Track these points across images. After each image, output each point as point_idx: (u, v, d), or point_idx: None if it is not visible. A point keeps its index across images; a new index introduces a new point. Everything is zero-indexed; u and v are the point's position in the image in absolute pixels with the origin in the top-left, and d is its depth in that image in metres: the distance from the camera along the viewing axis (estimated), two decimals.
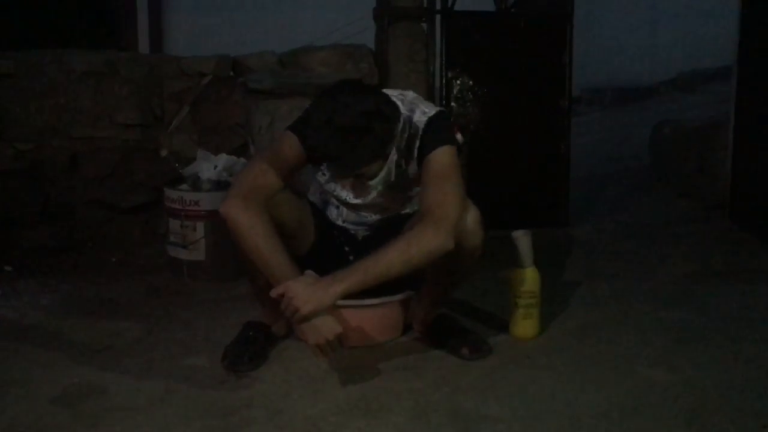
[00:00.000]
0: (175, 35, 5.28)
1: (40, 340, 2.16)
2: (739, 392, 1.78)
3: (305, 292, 1.73)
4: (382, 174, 1.92)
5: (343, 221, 2.10)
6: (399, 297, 2.09)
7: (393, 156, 1.90)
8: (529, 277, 2.10)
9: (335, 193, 2.03)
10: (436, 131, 1.86)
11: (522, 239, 2.08)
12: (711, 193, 3.54)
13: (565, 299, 2.40)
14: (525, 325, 2.12)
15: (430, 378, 1.90)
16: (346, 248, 2.09)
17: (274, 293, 1.78)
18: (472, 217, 1.86)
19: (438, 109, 1.92)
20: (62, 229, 3.05)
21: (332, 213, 2.11)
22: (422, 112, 1.88)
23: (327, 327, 1.78)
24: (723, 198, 3.40)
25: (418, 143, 1.87)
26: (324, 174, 2.02)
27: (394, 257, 1.73)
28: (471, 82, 3.31)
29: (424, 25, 3.21)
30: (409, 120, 1.87)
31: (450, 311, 2.20)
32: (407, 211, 2.07)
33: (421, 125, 1.86)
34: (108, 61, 3.08)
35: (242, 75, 3.11)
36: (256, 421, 1.69)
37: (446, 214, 1.76)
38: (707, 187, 3.60)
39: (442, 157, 1.83)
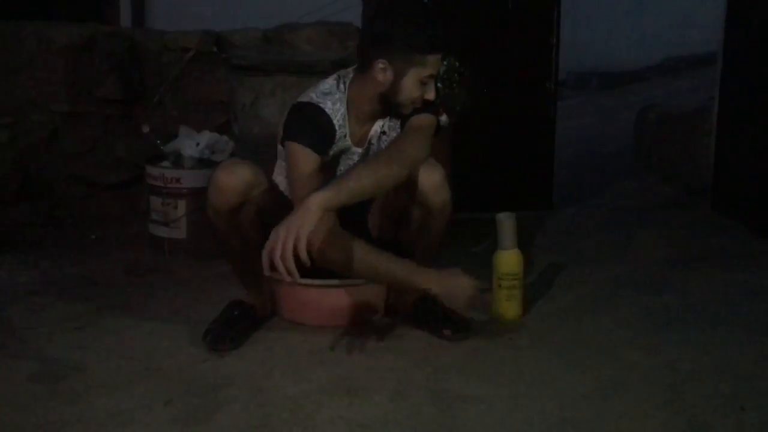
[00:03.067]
0: (158, 9, 5.19)
1: (18, 317, 2.14)
2: (717, 374, 1.80)
3: (281, 227, 1.68)
4: (375, 129, 1.98)
5: None
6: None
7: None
8: (512, 259, 2.11)
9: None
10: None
11: (505, 222, 2.09)
12: (694, 179, 3.56)
13: (547, 282, 2.41)
14: (507, 307, 2.13)
15: (412, 358, 1.90)
16: None
17: (266, 261, 1.70)
18: (438, 173, 1.93)
19: None
20: (41, 206, 3.00)
21: None
22: None
23: (296, 222, 1.68)
24: (706, 183, 3.42)
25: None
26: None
27: (362, 171, 1.78)
28: (457, 63, 3.29)
29: None
30: None
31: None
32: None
33: None
34: (89, 34, 3.02)
35: (226, 51, 3.07)
36: (237, 399, 1.69)
37: (406, 150, 1.85)
38: (691, 173, 3.62)
39: (422, 119, 1.93)
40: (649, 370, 1.83)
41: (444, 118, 2.69)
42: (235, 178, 1.87)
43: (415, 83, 1.87)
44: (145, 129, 2.88)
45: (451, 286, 1.88)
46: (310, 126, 1.89)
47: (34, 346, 1.95)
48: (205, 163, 2.75)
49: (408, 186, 1.91)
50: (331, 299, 2.08)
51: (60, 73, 2.99)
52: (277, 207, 1.99)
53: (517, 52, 3.31)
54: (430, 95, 1.91)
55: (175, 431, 1.57)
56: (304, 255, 1.68)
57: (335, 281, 2.04)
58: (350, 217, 2.07)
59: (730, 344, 1.98)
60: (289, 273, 1.67)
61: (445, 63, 3.29)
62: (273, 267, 1.68)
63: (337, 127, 1.93)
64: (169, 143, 2.82)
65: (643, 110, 4.35)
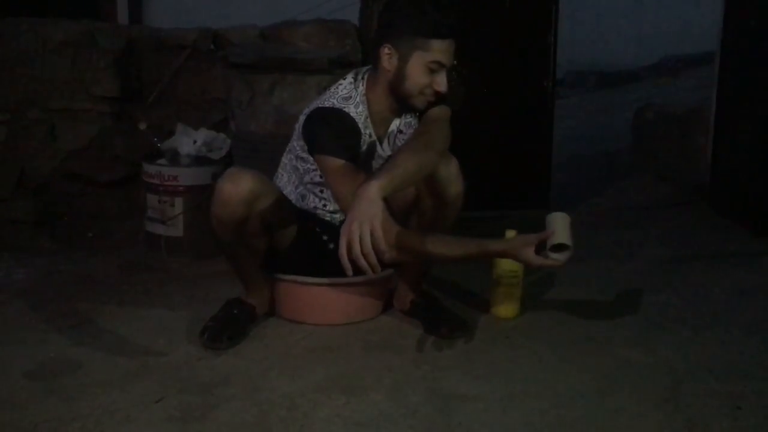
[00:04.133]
0: (155, 7, 5.18)
1: (14, 315, 2.13)
2: (714, 374, 1.81)
3: (351, 224, 1.65)
4: (392, 128, 1.99)
5: (324, 209, 2.05)
6: (380, 275, 2.08)
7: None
8: None
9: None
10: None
11: (559, 219, 1.91)
12: (691, 178, 3.57)
13: (545, 280, 2.41)
14: (505, 305, 2.13)
15: (409, 356, 1.90)
16: (325, 237, 2.07)
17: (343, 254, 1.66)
18: (454, 164, 1.94)
19: None
20: (38, 203, 2.99)
21: (311, 204, 2.05)
22: None
23: (365, 212, 1.64)
24: (703, 183, 3.43)
25: None
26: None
27: (405, 158, 1.78)
28: (455, 62, 3.29)
29: None
30: None
31: (430, 290, 2.20)
32: None
33: None
34: (86, 31, 3.01)
35: (223, 48, 3.06)
36: (233, 397, 1.69)
37: (436, 138, 1.87)
38: (688, 172, 3.62)
39: (439, 111, 1.93)
40: (645, 368, 1.83)
41: None
42: (240, 189, 1.84)
43: (420, 69, 1.84)
44: (142, 126, 2.88)
45: (522, 253, 1.81)
46: (341, 136, 1.86)
47: (29, 343, 1.94)
48: (202, 161, 2.75)
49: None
50: (328, 298, 2.07)
51: (57, 71, 2.98)
52: (284, 218, 1.98)
53: (515, 51, 3.30)
54: (441, 86, 1.86)
55: (172, 429, 1.57)
56: (383, 245, 1.65)
57: (334, 280, 2.04)
58: None
59: (727, 343, 1.98)
60: (373, 268, 1.65)
61: None
62: (355, 267, 1.65)
63: (362, 129, 1.92)
64: (166, 141, 2.81)
65: (640, 109, 4.36)
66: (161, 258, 2.65)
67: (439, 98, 1.91)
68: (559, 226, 1.82)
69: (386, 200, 1.88)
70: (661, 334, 2.03)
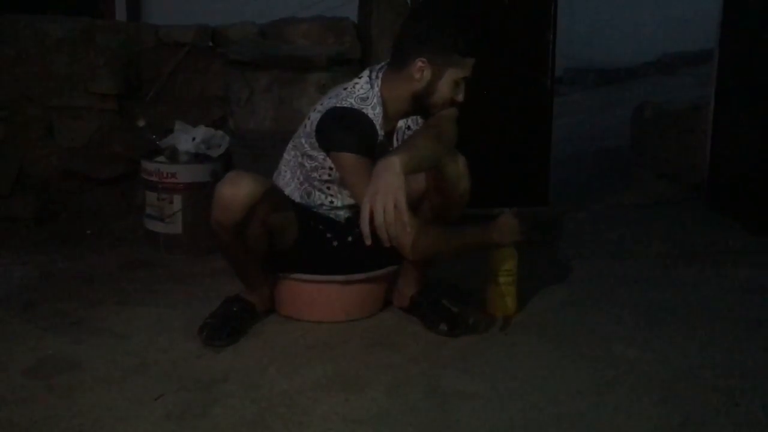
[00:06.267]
0: (153, 4, 5.17)
1: (13, 312, 2.13)
2: (711, 371, 1.81)
3: (374, 195, 1.65)
4: (400, 125, 2.01)
5: (330, 208, 2.05)
6: (381, 272, 2.09)
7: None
8: (508, 256, 2.11)
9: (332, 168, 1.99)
10: None
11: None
12: (690, 176, 3.57)
13: (542, 278, 2.41)
14: (503, 303, 2.13)
15: (408, 353, 1.91)
16: (329, 235, 2.07)
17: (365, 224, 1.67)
18: (462, 162, 1.97)
19: None
20: (37, 200, 2.99)
21: (316, 200, 2.05)
22: None
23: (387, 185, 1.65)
24: (701, 180, 3.43)
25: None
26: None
27: (420, 142, 1.81)
28: None
29: (409, 1, 3.17)
30: None
31: (429, 287, 2.20)
32: None
33: None
34: (84, 29, 3.01)
35: (222, 46, 3.06)
36: (232, 395, 1.69)
37: (445, 132, 1.89)
38: (686, 170, 3.63)
39: (447, 110, 1.95)
40: (644, 365, 1.84)
41: None
42: (240, 193, 1.84)
43: (450, 85, 1.90)
44: (141, 124, 2.87)
45: (505, 230, 1.97)
46: (361, 135, 1.87)
47: (29, 341, 1.94)
48: (201, 158, 2.75)
49: (428, 173, 1.92)
50: (328, 295, 2.08)
51: (55, 68, 2.98)
52: (286, 219, 1.98)
53: (514, 48, 3.30)
54: (461, 97, 1.93)
55: (171, 426, 1.57)
56: (407, 216, 1.66)
57: (334, 277, 2.05)
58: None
59: (725, 340, 1.98)
60: (399, 238, 1.68)
61: None
62: (374, 236, 1.65)
63: (379, 130, 1.93)
64: (164, 138, 2.81)
65: (639, 107, 4.35)
66: (160, 255, 2.65)
67: (451, 105, 1.95)
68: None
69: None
70: (659, 332, 2.04)
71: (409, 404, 1.66)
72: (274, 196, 1.94)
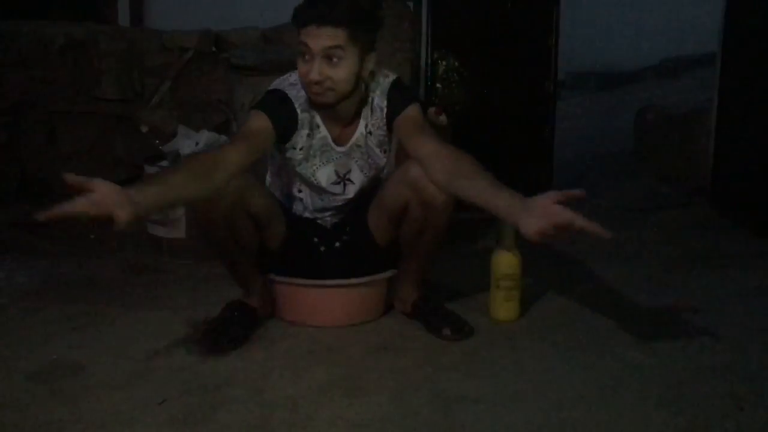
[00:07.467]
0: (156, 9, 5.18)
1: (16, 317, 2.13)
2: (716, 374, 1.80)
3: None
4: (360, 130, 1.99)
5: (312, 211, 2.09)
6: (382, 276, 2.09)
7: (368, 113, 1.99)
8: (511, 261, 2.10)
9: (303, 172, 2.01)
10: (402, 92, 1.98)
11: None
12: (693, 179, 3.57)
13: (545, 282, 2.41)
14: (506, 308, 2.13)
15: (412, 358, 1.90)
16: (316, 239, 2.09)
17: None
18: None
19: (395, 75, 2.02)
20: (39, 205, 2.98)
21: (298, 207, 2.10)
22: (384, 75, 1.99)
23: None
24: (705, 183, 3.43)
25: (385, 103, 1.96)
26: (299, 151, 1.99)
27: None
28: (456, 63, 3.30)
29: (411, 4, 3.19)
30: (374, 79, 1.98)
31: (432, 292, 2.20)
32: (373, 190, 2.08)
33: (387, 86, 1.97)
34: (87, 34, 3.02)
35: (225, 50, 3.07)
36: (235, 399, 1.69)
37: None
38: (689, 173, 3.63)
39: (414, 112, 1.95)
40: (648, 369, 1.83)
41: (443, 117, 2.70)
42: (226, 186, 1.84)
43: (300, 60, 1.89)
44: (144, 129, 2.88)
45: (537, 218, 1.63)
46: (273, 104, 1.93)
47: (32, 346, 1.94)
48: None
49: (410, 182, 1.91)
50: (330, 300, 2.08)
51: (58, 73, 2.98)
52: (273, 212, 2.00)
53: (517, 53, 3.31)
54: (312, 75, 1.84)
55: (174, 431, 1.57)
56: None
57: (336, 281, 2.05)
58: (350, 217, 2.09)
59: (729, 344, 1.98)
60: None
61: (444, 63, 3.30)
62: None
63: (299, 112, 1.94)
64: (167, 143, 2.82)
65: (641, 111, 4.36)
66: (163, 260, 2.65)
67: (321, 88, 1.88)
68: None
69: (378, 207, 1.97)
70: (663, 335, 2.03)
71: (413, 409, 1.66)
72: (259, 188, 1.97)
